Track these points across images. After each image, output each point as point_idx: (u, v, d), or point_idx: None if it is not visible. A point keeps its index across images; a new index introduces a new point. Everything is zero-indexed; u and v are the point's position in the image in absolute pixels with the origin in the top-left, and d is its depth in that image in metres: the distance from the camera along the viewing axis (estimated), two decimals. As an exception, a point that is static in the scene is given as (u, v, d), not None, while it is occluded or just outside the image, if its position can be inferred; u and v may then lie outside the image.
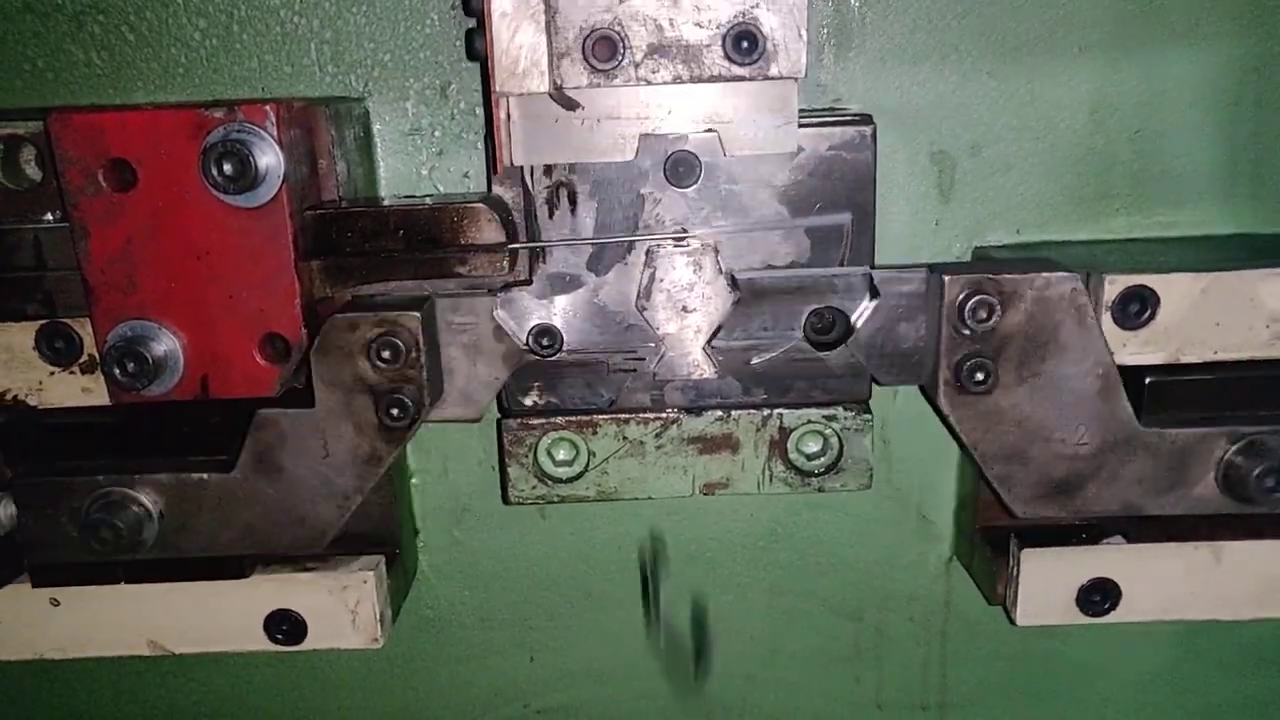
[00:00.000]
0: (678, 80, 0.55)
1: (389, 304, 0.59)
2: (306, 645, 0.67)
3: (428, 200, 0.60)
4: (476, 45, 0.56)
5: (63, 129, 0.55)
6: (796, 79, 0.55)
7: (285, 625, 0.67)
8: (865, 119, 0.61)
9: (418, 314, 0.58)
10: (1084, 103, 0.68)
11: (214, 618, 0.67)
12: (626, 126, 0.57)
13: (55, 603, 0.66)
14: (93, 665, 0.76)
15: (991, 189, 0.70)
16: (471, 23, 0.66)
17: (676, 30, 0.54)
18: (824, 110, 0.67)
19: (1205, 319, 0.60)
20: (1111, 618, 0.67)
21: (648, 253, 0.61)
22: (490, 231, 0.59)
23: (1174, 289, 0.60)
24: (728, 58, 0.54)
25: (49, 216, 0.60)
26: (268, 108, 0.55)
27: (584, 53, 0.54)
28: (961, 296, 0.58)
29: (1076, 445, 0.61)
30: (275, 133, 0.55)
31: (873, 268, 0.61)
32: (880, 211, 0.66)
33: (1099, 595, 0.67)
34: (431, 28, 0.67)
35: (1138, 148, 0.69)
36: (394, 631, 0.70)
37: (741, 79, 0.55)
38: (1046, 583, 0.66)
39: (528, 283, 0.61)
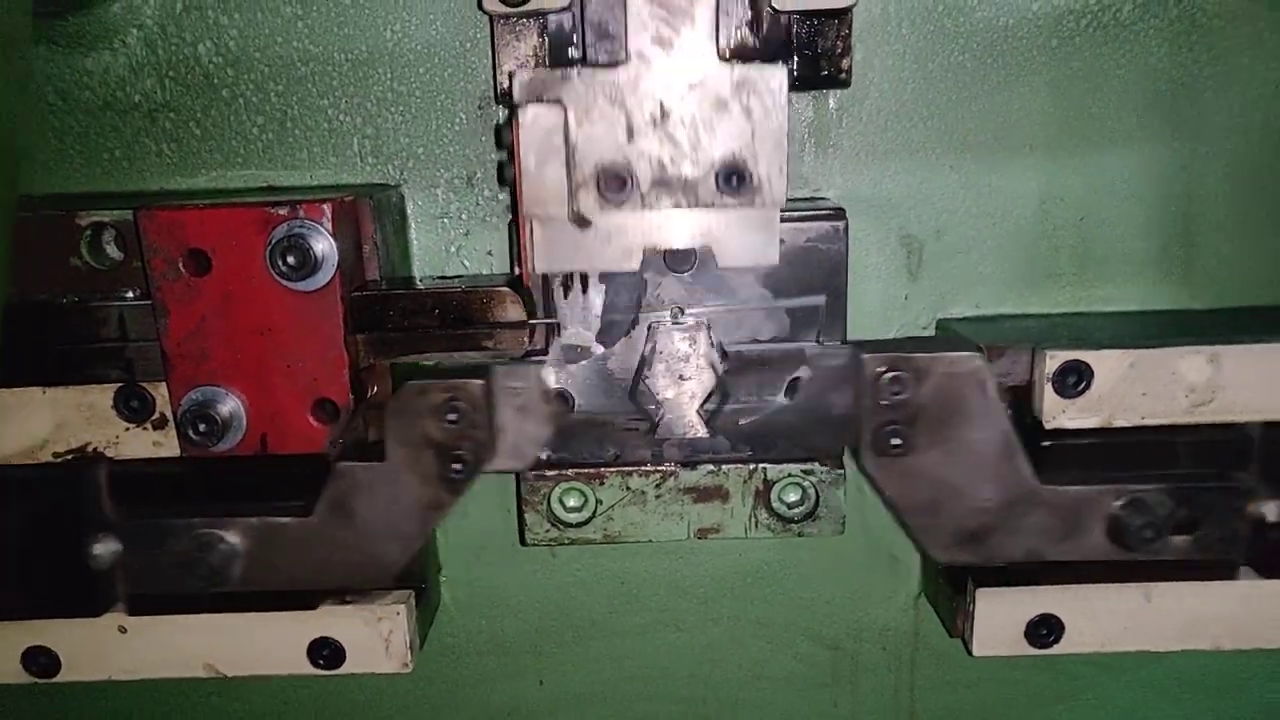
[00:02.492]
0: (677, 206, 0.64)
1: (454, 371, 0.68)
2: (344, 670, 0.76)
3: (460, 283, 0.69)
4: (506, 174, 0.65)
5: (149, 223, 0.64)
6: (778, 206, 0.64)
7: (326, 651, 0.75)
8: (839, 213, 0.70)
9: (481, 382, 0.67)
10: (1033, 194, 0.77)
11: (263, 644, 0.75)
12: (632, 241, 0.66)
13: (123, 630, 0.75)
14: (150, 685, 0.84)
15: (954, 268, 0.79)
16: (492, 116, 0.75)
17: (676, 167, 0.63)
18: (804, 200, 0.76)
19: (1134, 389, 0.69)
20: (1056, 650, 0.75)
21: (649, 328, 0.70)
22: (513, 311, 0.68)
23: (1106, 363, 0.69)
24: (719, 190, 0.63)
25: (130, 294, 0.69)
26: (325, 206, 0.64)
27: (598, 186, 0.63)
28: (879, 372, 0.68)
29: (983, 501, 0.70)
30: (330, 227, 0.64)
31: (843, 342, 0.71)
32: (856, 286, 0.75)
33: (1045, 629, 0.75)
34: (460, 125, 0.76)
35: (1081, 233, 0.78)
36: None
37: (731, 206, 0.64)
38: (998, 618, 0.75)
39: (544, 353, 0.70)
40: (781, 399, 0.70)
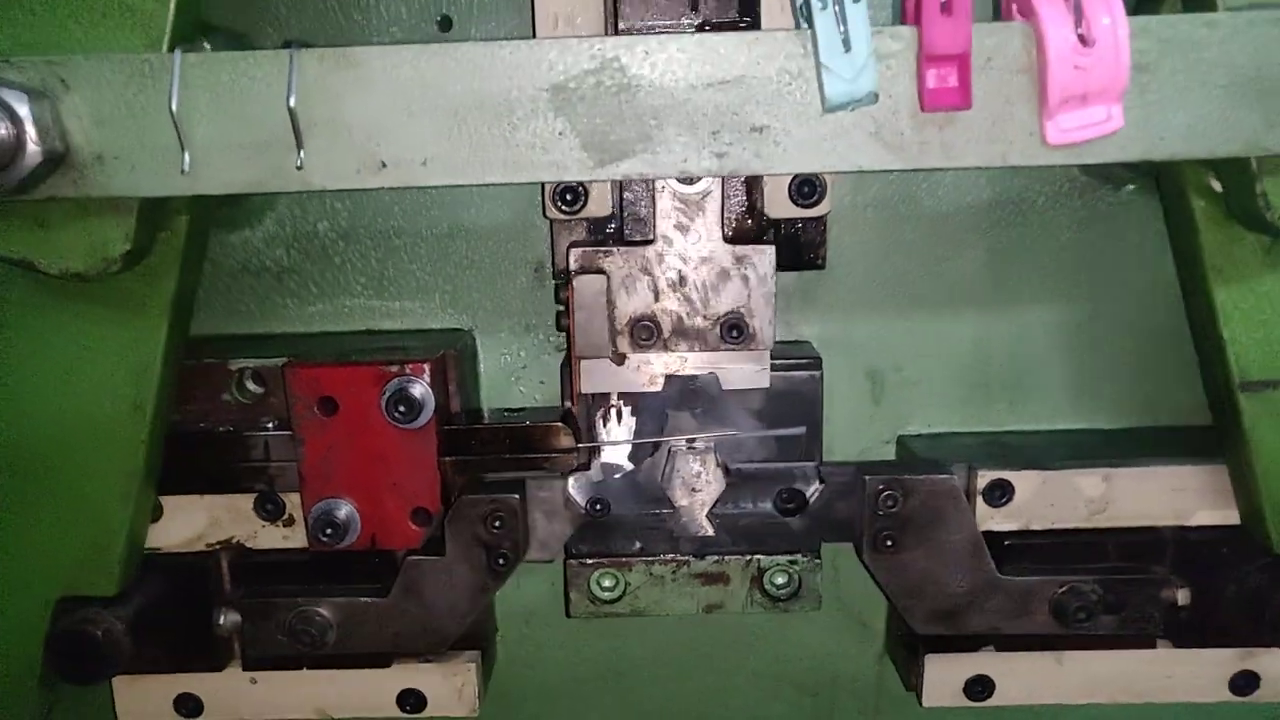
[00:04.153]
0: (691, 349, 0.84)
1: (498, 485, 0.89)
2: (425, 714, 0.96)
3: (524, 418, 0.90)
4: (562, 323, 0.86)
5: (293, 376, 0.84)
6: (768, 349, 0.85)
7: (411, 699, 0.95)
8: (816, 363, 0.90)
9: (517, 496, 0.87)
10: (971, 338, 0.97)
11: (362, 694, 0.95)
12: (657, 370, 0.87)
13: (254, 681, 0.95)
14: None
15: (909, 396, 0.99)
16: (546, 278, 0.96)
17: (691, 320, 0.83)
18: (791, 343, 0.97)
19: (1044, 501, 0.89)
20: (989, 703, 0.95)
21: (669, 452, 0.90)
22: (565, 440, 0.88)
23: (1024, 480, 0.89)
24: (723, 338, 0.84)
25: (270, 424, 0.90)
26: (425, 365, 0.84)
27: (631, 335, 0.84)
28: (878, 489, 0.88)
29: (956, 587, 0.90)
30: (429, 379, 0.84)
31: (820, 463, 0.91)
32: (832, 408, 0.95)
33: (980, 687, 0.95)
34: (520, 285, 0.96)
35: (1010, 368, 0.98)
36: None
37: (733, 349, 0.84)
38: (943, 676, 0.94)
39: (587, 468, 0.91)
40: (769, 506, 0.91)
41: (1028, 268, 0.95)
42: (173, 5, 0.66)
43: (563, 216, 0.85)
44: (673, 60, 0.64)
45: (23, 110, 0.62)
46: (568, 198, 0.83)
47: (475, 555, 0.89)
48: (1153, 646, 0.93)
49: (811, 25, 0.62)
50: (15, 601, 0.85)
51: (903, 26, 0.64)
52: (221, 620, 0.93)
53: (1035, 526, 0.90)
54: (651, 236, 0.83)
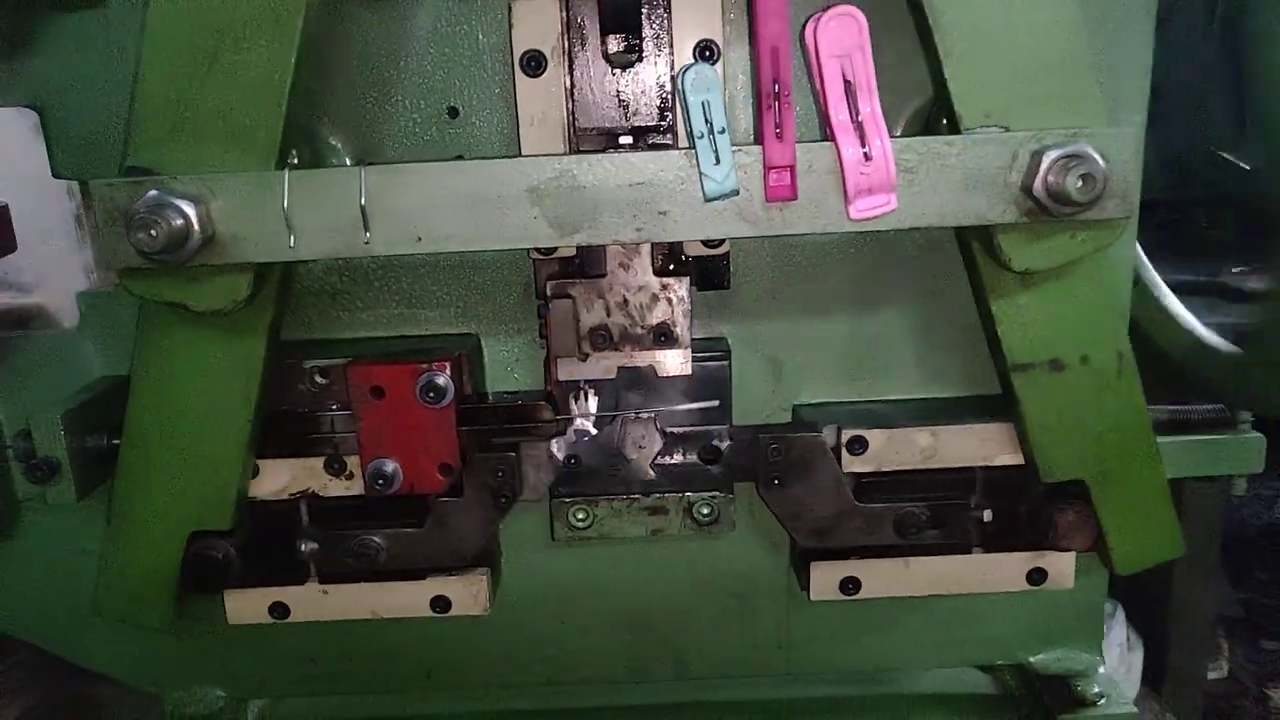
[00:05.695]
0: (634, 349, 1.19)
1: (501, 447, 1.24)
2: (451, 613, 1.31)
3: (518, 398, 1.25)
4: (543, 331, 1.21)
5: (353, 372, 1.19)
6: (689, 347, 1.20)
7: (441, 603, 1.31)
8: (726, 354, 1.25)
9: (514, 454, 1.23)
10: (845, 333, 1.30)
11: (404, 599, 1.31)
12: (611, 364, 1.22)
13: (325, 592, 1.31)
14: (338, 623, 1.38)
15: (800, 376, 1.32)
16: (532, 296, 1.30)
17: (633, 330, 1.18)
18: (713, 339, 1.31)
19: (890, 450, 1.24)
20: (859, 596, 1.30)
21: (622, 421, 1.25)
22: (547, 414, 1.24)
23: (875, 436, 1.24)
24: (655, 342, 1.19)
25: (334, 406, 1.25)
26: (447, 362, 1.19)
27: (591, 340, 1.18)
28: (768, 444, 1.24)
29: (824, 512, 1.26)
30: (450, 373, 1.19)
31: (730, 426, 1.26)
32: (743, 387, 1.30)
33: (851, 584, 1.30)
34: (513, 301, 1.30)
35: (874, 354, 1.30)
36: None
37: (663, 349, 1.20)
38: (824, 578, 1.29)
39: (564, 433, 1.26)
40: (694, 458, 1.26)
41: (883, 282, 1.29)
42: (280, 134, 1.00)
43: (541, 256, 1.20)
44: (606, 171, 0.99)
45: (189, 211, 0.96)
46: (543, 246, 1.18)
47: (485, 497, 1.24)
48: (969, 552, 1.29)
49: (694, 147, 0.97)
50: (160, 535, 1.19)
51: (754, 145, 0.98)
52: (303, 548, 1.28)
53: (885, 469, 1.25)
54: (604, 272, 1.17)
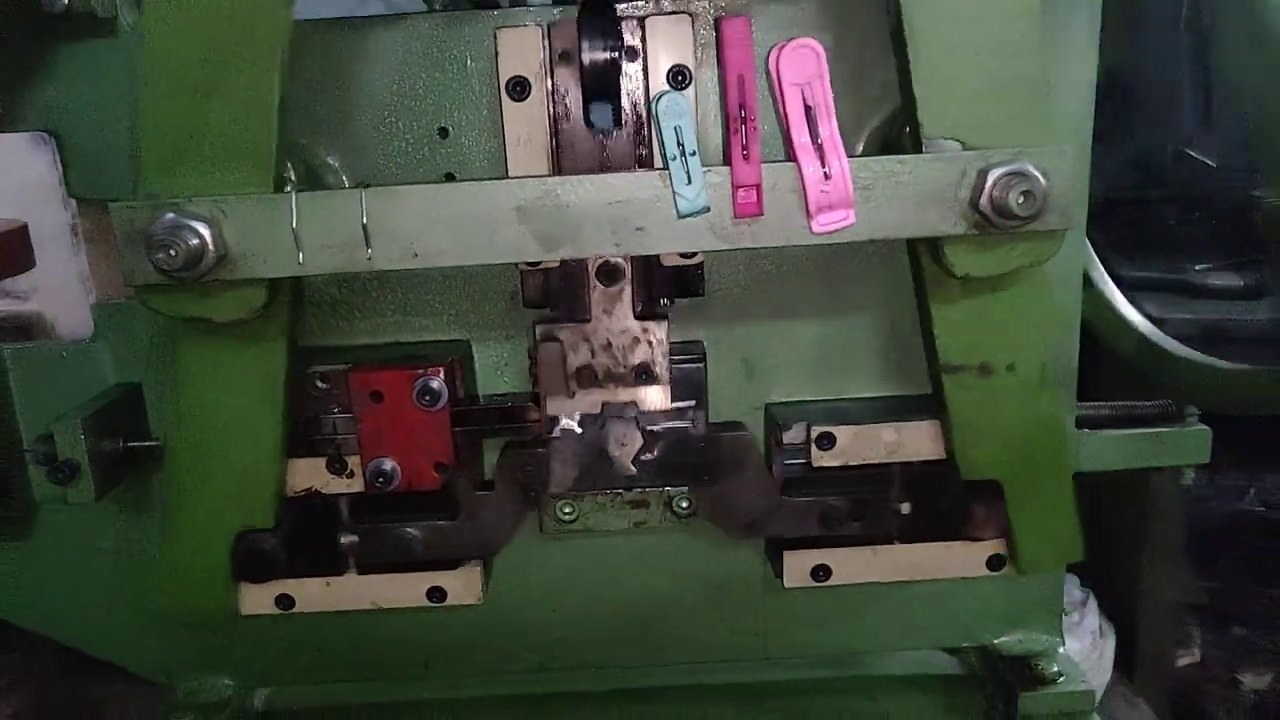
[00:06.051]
0: (617, 387, 1.27)
1: (527, 444, 1.32)
2: (446, 603, 1.40)
3: (508, 400, 1.34)
4: (532, 370, 1.29)
5: (354, 378, 1.27)
6: (668, 385, 1.28)
7: (437, 593, 1.39)
8: (702, 357, 1.34)
9: (543, 450, 1.31)
10: (815, 335, 1.39)
11: (403, 590, 1.39)
12: (596, 399, 1.29)
13: (328, 584, 1.39)
14: (335, 616, 1.46)
15: (772, 376, 1.40)
16: (518, 302, 1.38)
17: (617, 369, 1.26)
18: (689, 342, 1.39)
19: (856, 445, 1.33)
20: (829, 583, 1.39)
21: (605, 421, 1.34)
22: (534, 414, 1.32)
23: (843, 433, 1.32)
24: (637, 380, 1.27)
25: (335, 409, 1.33)
26: (441, 367, 1.27)
27: (579, 380, 1.27)
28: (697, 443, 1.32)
29: (753, 506, 1.34)
30: (444, 377, 1.27)
31: (708, 424, 1.35)
32: (718, 388, 1.39)
33: (822, 572, 1.39)
34: (501, 309, 1.38)
35: (842, 355, 1.40)
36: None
37: (644, 386, 1.28)
38: (796, 565, 1.38)
39: (552, 434, 1.34)
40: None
41: (847, 288, 1.38)
42: (275, 152, 1.08)
43: (528, 267, 1.28)
44: (588, 191, 1.07)
45: (204, 231, 1.05)
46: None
47: (515, 490, 1.33)
48: (891, 543, 1.37)
49: (668, 168, 1.06)
50: (213, 533, 1.25)
51: (724, 166, 1.07)
52: (343, 539, 1.36)
53: (852, 463, 1.34)
54: (588, 317, 1.26)
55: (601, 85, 1.18)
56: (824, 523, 1.34)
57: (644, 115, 1.21)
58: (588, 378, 1.27)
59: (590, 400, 1.28)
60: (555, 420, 1.32)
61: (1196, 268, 2.69)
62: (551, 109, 1.21)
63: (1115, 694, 2.80)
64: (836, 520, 1.33)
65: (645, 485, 1.35)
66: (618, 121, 1.21)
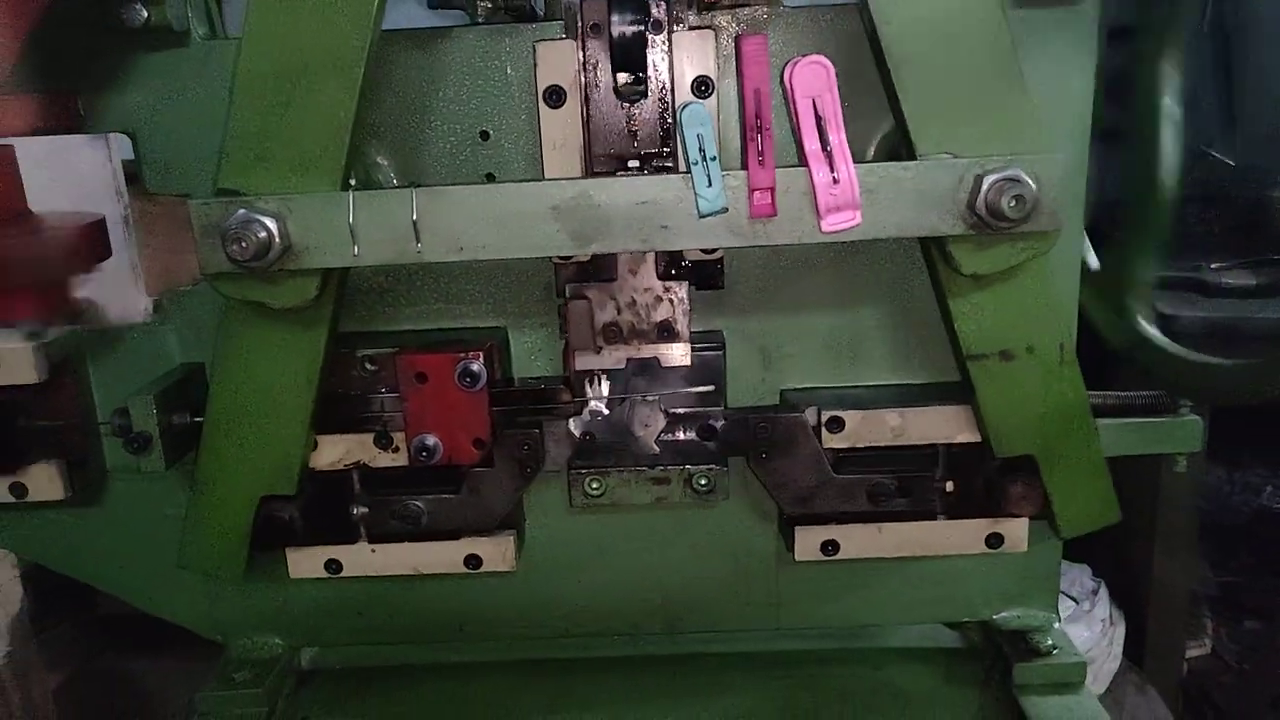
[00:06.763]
0: (641, 343, 1.38)
1: (528, 425, 1.44)
2: (481, 570, 1.51)
3: (540, 382, 1.45)
4: (563, 328, 1.40)
5: (401, 360, 1.38)
6: (688, 341, 1.39)
7: (474, 560, 1.51)
8: (721, 345, 1.44)
9: (538, 430, 1.42)
10: (828, 327, 1.49)
11: (441, 557, 1.51)
12: (621, 355, 1.41)
13: (374, 550, 1.51)
14: (387, 577, 1.58)
15: (788, 364, 1.51)
16: (552, 293, 1.49)
17: (640, 325, 1.37)
18: (709, 332, 1.50)
19: (865, 430, 1.43)
20: (838, 557, 1.49)
21: (629, 402, 1.44)
22: (566, 396, 1.43)
23: (851, 417, 1.43)
24: (660, 337, 1.38)
25: (383, 390, 1.45)
26: (480, 351, 1.38)
27: (604, 335, 1.38)
28: (756, 422, 1.42)
29: (806, 483, 1.45)
30: (483, 359, 1.39)
31: (725, 408, 1.45)
32: (737, 375, 1.49)
33: (831, 547, 1.49)
34: (537, 298, 1.49)
35: (853, 345, 1.50)
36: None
37: (666, 343, 1.39)
38: (807, 541, 1.49)
39: (580, 413, 1.45)
40: (693, 435, 1.46)
41: (858, 283, 1.48)
42: (344, 162, 1.20)
43: (561, 262, 1.39)
44: (617, 192, 1.18)
45: (272, 226, 1.16)
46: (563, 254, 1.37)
47: (513, 467, 1.44)
48: (934, 519, 1.47)
49: (690, 172, 1.16)
50: (234, 499, 1.39)
51: (741, 170, 1.17)
52: (354, 511, 1.48)
53: (859, 445, 1.44)
54: (614, 276, 1.37)
55: (630, 58, 1.27)
56: (872, 499, 1.43)
57: (667, 86, 1.30)
58: (613, 334, 1.37)
59: (616, 356, 1.39)
60: (585, 402, 1.43)
61: (1212, 266, 2.75)
62: (585, 115, 1.31)
63: (1126, 681, 2.87)
64: (884, 496, 1.43)
65: (668, 463, 1.45)
66: (644, 93, 1.30)
